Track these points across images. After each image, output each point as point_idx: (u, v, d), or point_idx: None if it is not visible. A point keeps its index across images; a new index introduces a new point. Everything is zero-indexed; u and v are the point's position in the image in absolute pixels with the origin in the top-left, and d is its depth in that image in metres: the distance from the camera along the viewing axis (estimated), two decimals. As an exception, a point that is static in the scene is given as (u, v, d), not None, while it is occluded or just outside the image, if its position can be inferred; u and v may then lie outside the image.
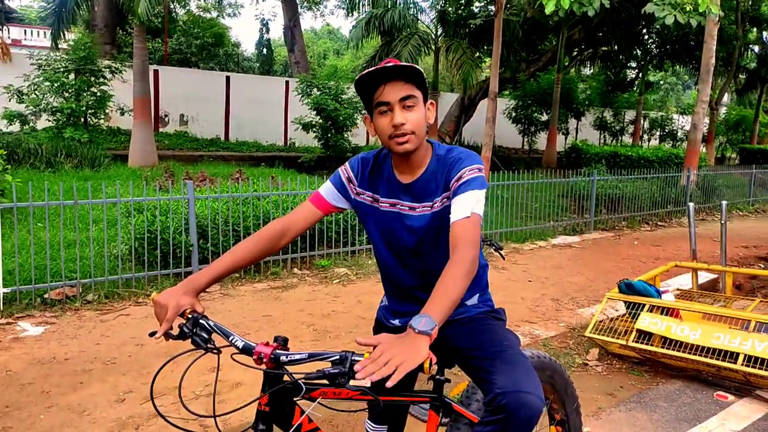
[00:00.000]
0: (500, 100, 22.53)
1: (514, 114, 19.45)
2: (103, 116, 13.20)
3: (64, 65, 12.21)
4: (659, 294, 4.21)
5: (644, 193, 10.58)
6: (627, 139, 23.25)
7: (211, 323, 1.57)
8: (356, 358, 1.37)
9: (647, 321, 3.94)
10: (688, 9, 7.53)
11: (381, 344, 1.30)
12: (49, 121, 12.47)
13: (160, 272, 5.44)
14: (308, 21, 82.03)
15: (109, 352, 4.05)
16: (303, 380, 1.50)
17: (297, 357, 1.46)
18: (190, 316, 1.58)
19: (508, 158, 18.54)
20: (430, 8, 15.52)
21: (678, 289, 5.04)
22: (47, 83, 12.01)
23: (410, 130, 1.66)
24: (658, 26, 9.88)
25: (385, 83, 1.65)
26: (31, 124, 12.69)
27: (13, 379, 3.58)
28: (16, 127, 12.68)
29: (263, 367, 1.50)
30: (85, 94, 12.26)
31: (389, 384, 1.22)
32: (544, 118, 18.96)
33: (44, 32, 22.32)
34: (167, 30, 21.07)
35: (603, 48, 20.26)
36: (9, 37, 28.55)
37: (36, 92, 12.15)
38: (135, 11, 10.72)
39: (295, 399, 1.57)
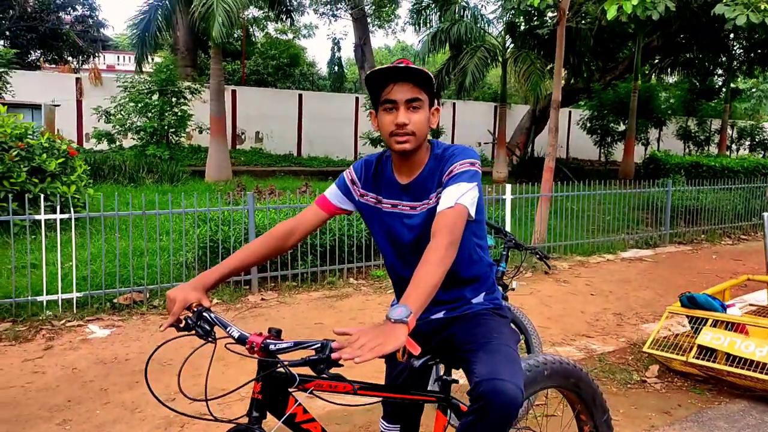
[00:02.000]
0: (574, 110, 21.99)
1: (588, 124, 18.86)
2: (183, 134, 13.97)
3: (147, 87, 13.03)
4: (724, 308, 3.94)
5: (726, 205, 9.93)
6: (713, 149, 21.98)
7: (213, 316, 1.65)
8: (336, 346, 1.39)
9: (709, 336, 3.69)
10: (763, 7, 7.04)
11: (358, 331, 1.33)
12: (134, 139, 13.32)
13: (221, 280, 5.64)
14: (380, 39, 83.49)
15: (167, 353, 4.18)
16: (287, 367, 1.53)
17: (284, 346, 1.51)
18: (195, 309, 1.66)
19: (582, 169, 17.99)
20: (498, 20, 15.39)
21: (751, 305, 4.69)
22: (132, 104, 12.85)
23: (411, 131, 1.69)
24: (739, 30, 9.26)
25: (394, 83, 1.69)
26: (118, 143, 13.60)
27: (78, 376, 3.82)
28: (105, 145, 13.64)
29: (255, 356, 1.54)
30: (166, 114, 13.03)
31: (357, 361, 1.25)
32: (622, 128, 18.25)
33: (130, 57, 23.91)
34: (245, 52, 22.03)
35: (685, 55, 19.32)
36: (104, 63, 30.81)
37: (122, 113, 13.02)
38: (210, 35, 11.29)
39: (290, 390, 1.60)
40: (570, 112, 21.93)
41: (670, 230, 9.12)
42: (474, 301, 1.84)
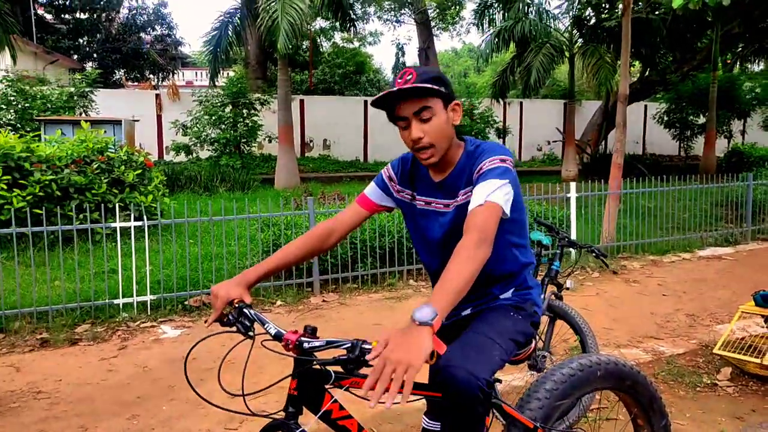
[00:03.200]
0: (650, 104, 21.05)
1: (666, 118, 18.02)
2: (254, 144, 14.47)
3: (220, 100, 13.60)
4: (804, 307, 3.68)
5: (816, 199, 9.22)
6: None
7: (253, 312, 1.71)
8: (366, 346, 1.43)
9: (786, 337, 3.45)
10: None
11: (382, 352, 1.28)
12: (209, 150, 13.94)
13: (284, 282, 5.81)
14: (446, 42, 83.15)
15: (232, 353, 4.41)
16: (318, 365, 1.56)
17: (316, 344, 1.54)
18: (237, 306, 1.73)
19: (659, 165, 17.22)
20: (564, 15, 15.00)
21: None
22: (206, 117, 13.45)
23: (428, 143, 1.68)
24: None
25: (399, 102, 1.69)
26: (195, 154, 14.26)
27: (148, 374, 4.05)
28: (183, 157, 14.33)
29: (291, 353, 1.59)
30: (239, 124, 13.55)
31: (403, 401, 1.23)
32: (701, 120, 17.33)
33: (204, 72, 24.98)
34: (312, 62, 22.55)
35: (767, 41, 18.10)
36: (183, 79, 32.37)
37: (197, 125, 13.66)
38: (276, 47, 11.65)
39: (326, 386, 1.64)
40: (645, 106, 21.01)
41: (752, 227, 8.57)
42: (501, 296, 1.82)
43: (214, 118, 13.37)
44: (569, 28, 14.82)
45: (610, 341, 4.51)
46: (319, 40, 25.65)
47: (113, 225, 5.33)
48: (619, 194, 7.61)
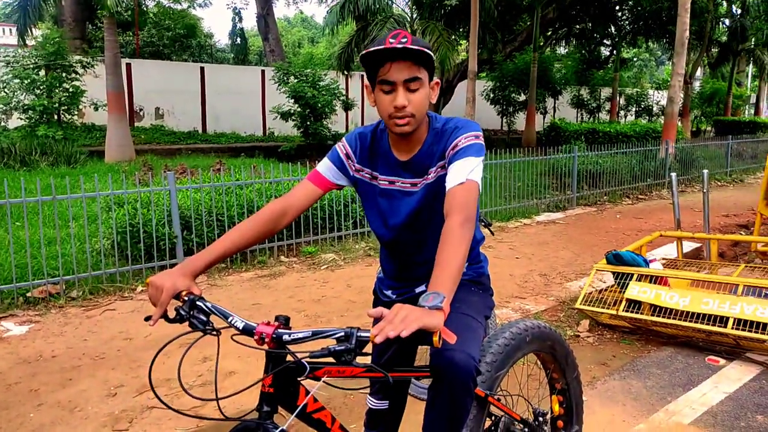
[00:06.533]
0: (477, 82, 22.56)
1: (491, 95, 19.44)
2: (76, 112, 12.94)
3: (33, 62, 11.91)
4: (647, 263, 4.25)
5: (624, 168, 10.66)
6: (604, 116, 23.42)
7: (209, 305, 1.53)
8: (362, 334, 1.33)
9: (636, 290, 3.97)
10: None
11: (394, 307, 1.27)
12: (21, 119, 12.18)
13: (144, 266, 5.34)
14: (281, 9, 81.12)
15: (97, 347, 3.98)
16: (308, 359, 1.46)
17: (300, 335, 1.42)
18: (186, 298, 1.53)
19: (488, 139, 18.56)
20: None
21: (663, 259, 5.08)
22: (16, 80, 11.72)
23: (410, 113, 1.62)
24: (625, 2, 9.88)
25: (391, 62, 1.59)
26: (3, 124, 12.39)
27: (0, 379, 3.50)
28: (-14, 127, 12.38)
29: (265, 347, 1.46)
30: (56, 90, 11.99)
31: (404, 334, 1.20)
32: (522, 98, 18.98)
33: (9, 29, 21.77)
34: (138, 23, 20.66)
35: (577, 26, 20.32)
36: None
37: (5, 90, 11.85)
38: (104, 3, 10.46)
39: (299, 379, 1.53)
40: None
41: (576, 194, 9.66)
42: None
43: (26, 82, 11.68)
44: (409, 4, 15.25)
45: (482, 304, 4.82)
46: (142, -1, 23.52)
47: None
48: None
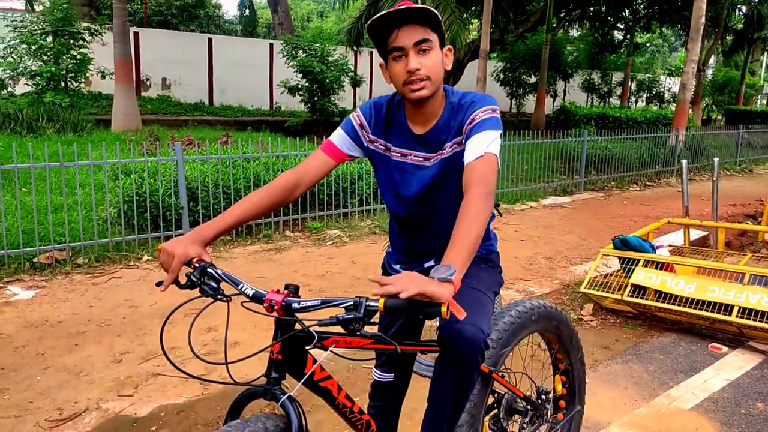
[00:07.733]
0: (488, 62, 22.36)
1: (502, 76, 19.26)
2: (83, 80, 12.88)
3: (41, 27, 11.81)
4: (654, 249, 4.24)
5: (633, 154, 10.59)
6: (614, 101, 23.20)
7: (220, 272, 1.53)
8: (371, 304, 1.34)
9: (642, 275, 3.96)
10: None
11: (403, 273, 1.28)
12: (27, 85, 12.13)
13: (150, 235, 5.36)
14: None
15: (102, 314, 4.00)
16: (316, 327, 1.46)
17: (309, 304, 1.42)
18: (197, 265, 1.53)
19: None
20: (418, -33, 15.13)
21: (670, 246, 5.06)
22: (24, 46, 11.64)
23: (425, 75, 1.59)
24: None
25: (398, 28, 1.57)
26: (9, 89, 12.34)
27: (6, 342, 3.53)
28: (-7, 92, 12.34)
29: (274, 314, 1.46)
30: (64, 57, 11.91)
31: (403, 295, 1.21)
32: (533, 80, 18.79)
33: (18, -6, 21.56)
34: (146, -9, 20.46)
35: (591, 8, 20.02)
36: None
37: (12, 55, 11.78)
38: (113, -31, 10.32)
39: (307, 347, 1.54)
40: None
41: (584, 178, 9.61)
42: None
43: (34, 47, 11.60)
44: (421, -20, 15.00)
45: (486, 285, 4.83)
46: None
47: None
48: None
